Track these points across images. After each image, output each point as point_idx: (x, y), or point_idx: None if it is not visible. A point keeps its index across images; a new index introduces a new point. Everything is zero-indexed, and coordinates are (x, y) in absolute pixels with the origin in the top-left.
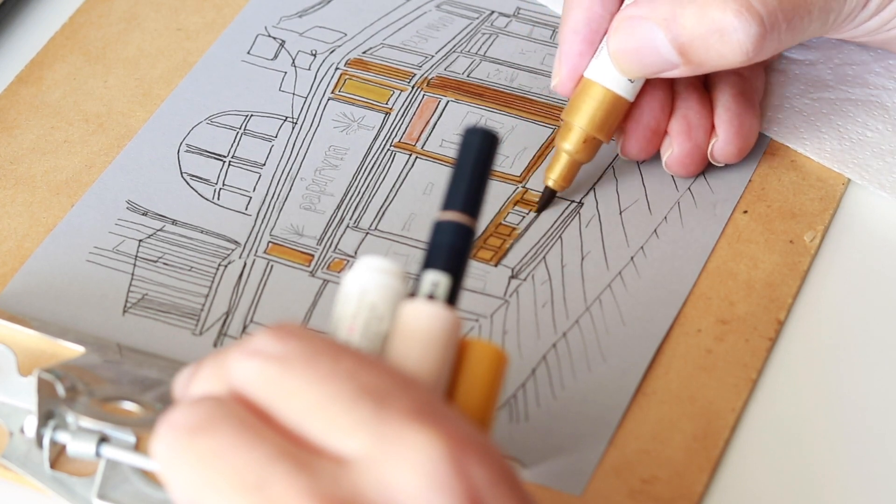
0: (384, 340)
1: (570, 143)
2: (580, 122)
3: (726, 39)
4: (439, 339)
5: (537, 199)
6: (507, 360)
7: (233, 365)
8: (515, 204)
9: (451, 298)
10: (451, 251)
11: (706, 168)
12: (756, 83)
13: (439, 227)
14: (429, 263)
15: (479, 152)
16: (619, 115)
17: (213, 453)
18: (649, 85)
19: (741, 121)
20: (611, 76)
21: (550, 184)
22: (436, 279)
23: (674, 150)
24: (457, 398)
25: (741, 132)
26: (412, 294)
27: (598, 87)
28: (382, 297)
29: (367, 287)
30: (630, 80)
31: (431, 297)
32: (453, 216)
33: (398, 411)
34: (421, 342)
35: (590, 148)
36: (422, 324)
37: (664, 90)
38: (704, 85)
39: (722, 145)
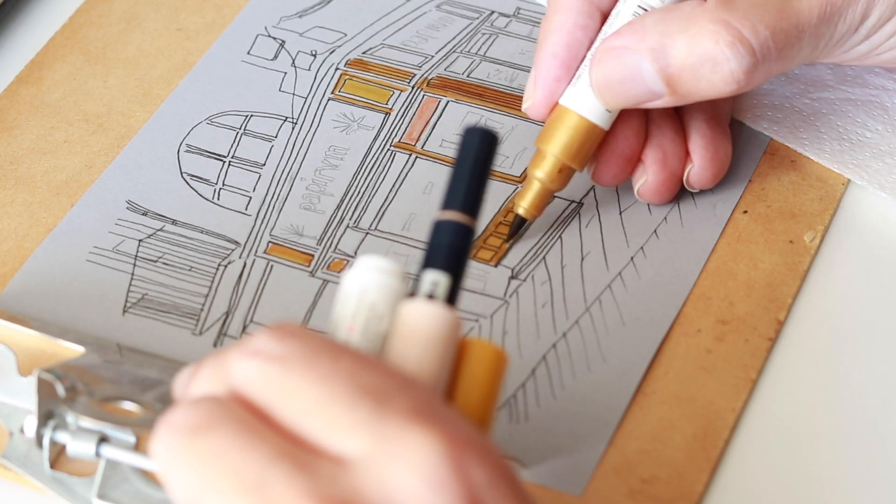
0: (384, 340)
1: (542, 172)
2: (554, 150)
3: (717, 70)
4: (439, 339)
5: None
6: (507, 360)
7: (232, 365)
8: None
9: (451, 298)
10: (450, 251)
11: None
12: (725, 107)
13: (439, 227)
14: (428, 263)
15: (478, 152)
16: (594, 145)
17: (212, 453)
18: (624, 113)
19: (716, 146)
20: (587, 105)
21: (521, 212)
22: (435, 279)
23: (648, 179)
24: (457, 398)
25: (717, 157)
26: (412, 294)
27: (574, 116)
28: (382, 296)
29: (366, 287)
30: (608, 109)
31: (431, 296)
32: (453, 216)
33: (397, 411)
34: (420, 342)
35: (563, 177)
36: (421, 323)
37: (639, 118)
38: (675, 110)
39: (698, 171)
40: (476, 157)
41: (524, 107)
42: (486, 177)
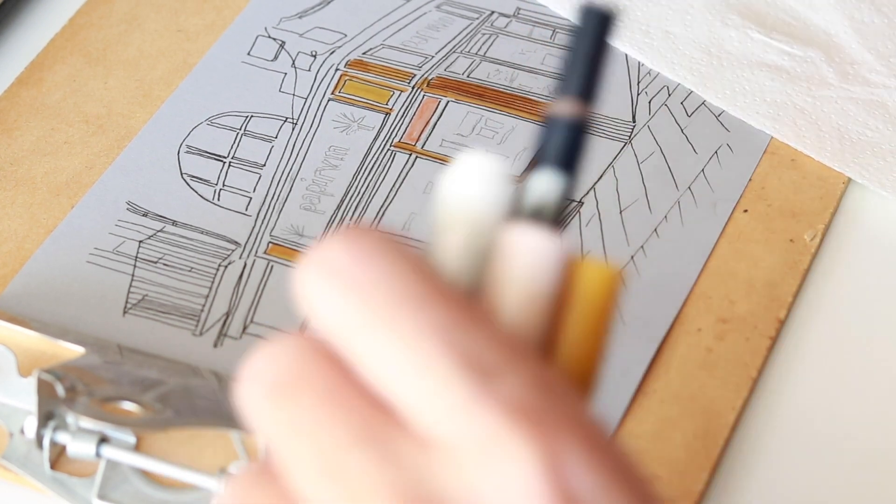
0: (484, 260)
1: None
2: None
3: None
4: (545, 279)
5: None
6: (622, 282)
7: (309, 288)
8: None
9: (560, 214)
10: (565, 148)
11: (706, 166)
12: None
13: (552, 124)
14: (543, 162)
15: (596, 34)
16: None
17: (294, 427)
18: None
19: None
20: None
21: None
22: (544, 189)
23: None
24: (564, 338)
25: None
26: (517, 204)
27: None
28: (486, 207)
29: (470, 195)
30: None
31: (538, 215)
32: (567, 107)
33: (501, 402)
34: (525, 283)
35: None
36: (527, 261)
37: None
38: None
39: None
40: (593, 41)
41: None
42: (606, 63)
